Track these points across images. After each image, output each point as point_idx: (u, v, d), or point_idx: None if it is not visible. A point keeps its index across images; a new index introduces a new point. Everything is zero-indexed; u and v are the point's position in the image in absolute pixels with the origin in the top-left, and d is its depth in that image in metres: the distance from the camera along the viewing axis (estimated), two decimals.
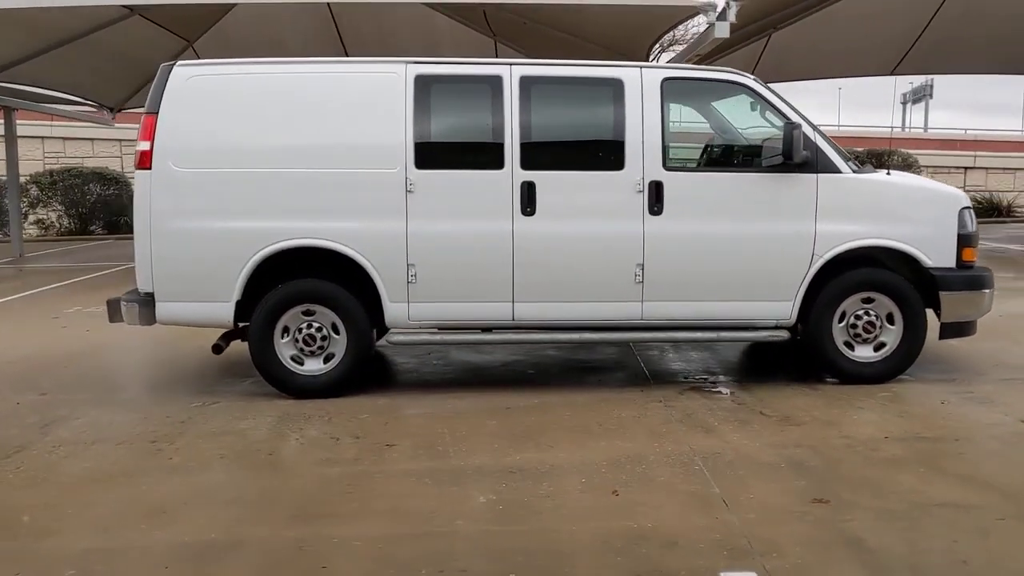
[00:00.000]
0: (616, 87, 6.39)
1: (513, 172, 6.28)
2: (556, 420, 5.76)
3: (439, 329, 6.51)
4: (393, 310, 6.36)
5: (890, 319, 6.51)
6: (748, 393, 6.37)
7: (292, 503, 4.40)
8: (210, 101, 6.36)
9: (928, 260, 6.44)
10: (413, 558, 3.73)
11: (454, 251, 6.31)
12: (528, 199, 6.27)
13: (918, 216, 6.49)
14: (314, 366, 6.41)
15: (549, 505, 4.30)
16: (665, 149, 6.33)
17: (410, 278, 6.29)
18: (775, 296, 6.42)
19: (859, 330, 6.50)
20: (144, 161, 6.30)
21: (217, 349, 6.58)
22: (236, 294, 6.31)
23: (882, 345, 6.54)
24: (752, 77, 6.55)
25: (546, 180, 6.29)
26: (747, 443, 5.20)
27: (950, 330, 6.58)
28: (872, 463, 4.84)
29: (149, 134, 6.29)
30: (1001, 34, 16.64)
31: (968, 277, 6.48)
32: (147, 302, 6.36)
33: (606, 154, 6.39)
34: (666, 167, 6.32)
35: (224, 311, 6.35)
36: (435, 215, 6.29)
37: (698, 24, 12.22)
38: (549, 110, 6.43)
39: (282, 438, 5.50)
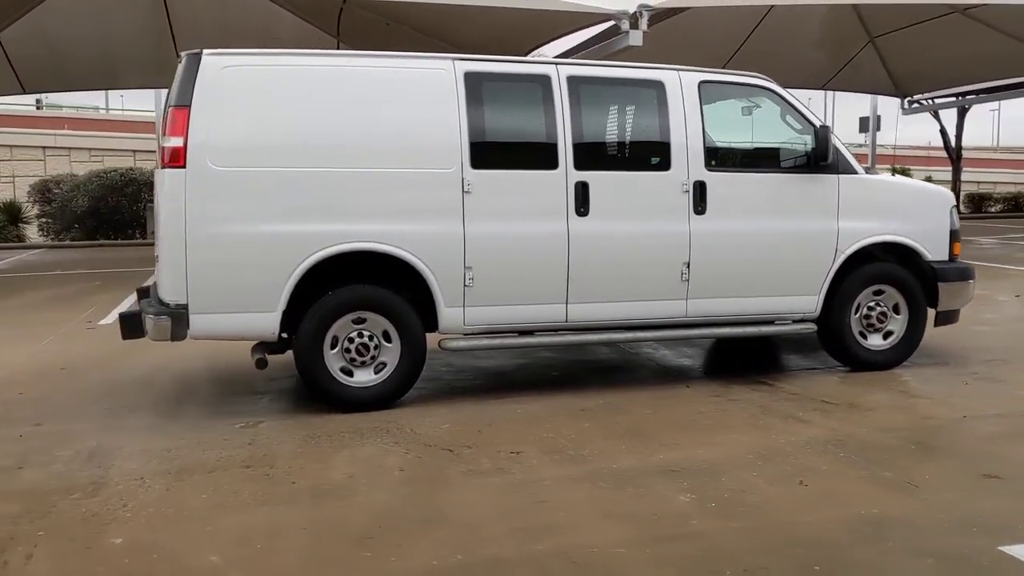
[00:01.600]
0: (659, 89, 6.50)
1: (567, 172, 6.23)
2: (647, 418, 5.78)
3: (491, 334, 6.33)
4: (449, 315, 6.13)
5: (896, 309, 7.03)
6: (787, 384, 6.66)
7: (502, 518, 4.14)
8: (249, 94, 5.86)
9: (928, 254, 7.02)
10: (700, 559, 3.66)
11: (511, 253, 6.18)
12: (582, 199, 6.25)
13: (920, 214, 7.06)
14: (365, 377, 6.05)
15: (755, 499, 4.33)
16: (707, 150, 6.51)
17: (467, 281, 6.09)
18: (804, 290, 6.77)
19: (872, 320, 6.97)
20: (176, 159, 5.70)
21: (261, 364, 6.07)
22: (282, 303, 5.85)
23: (889, 334, 7.05)
24: (773, 81, 6.87)
25: (599, 180, 6.29)
26: (854, 429, 5.46)
27: (943, 318, 7.20)
28: (985, 440, 5.23)
29: (181, 129, 5.71)
30: None
31: (960, 269, 7.12)
32: (179, 315, 5.74)
33: (654, 155, 6.49)
34: (708, 167, 6.50)
35: (268, 322, 5.86)
36: (492, 216, 6.13)
37: (592, 31, 12.51)
38: (597, 110, 6.43)
39: (388, 453, 5.16)
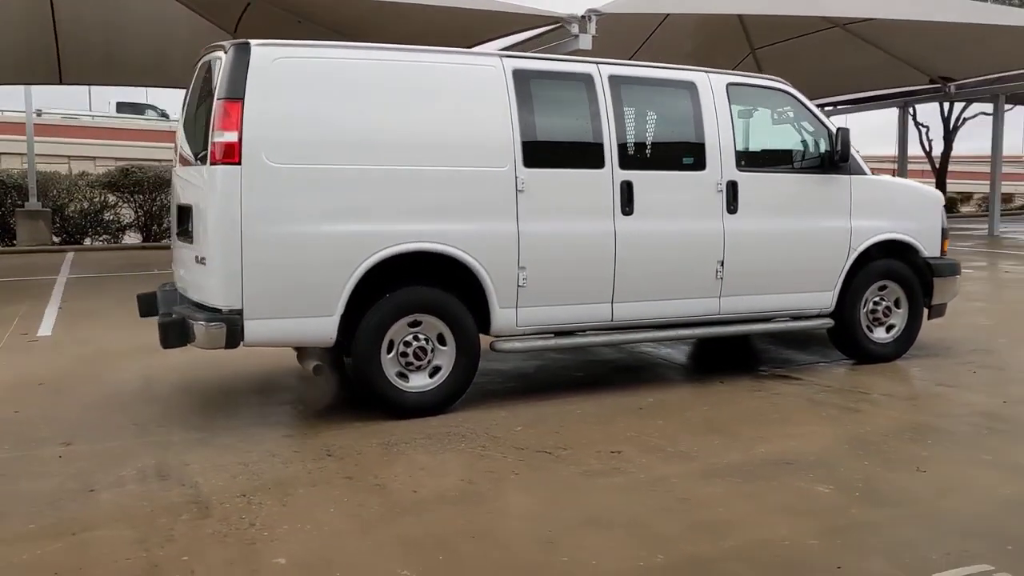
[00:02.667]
0: (692, 90, 6.60)
1: (613, 171, 6.24)
2: (712, 414, 5.85)
3: (540, 334, 6.25)
4: (502, 316, 6.02)
5: (897, 304, 7.39)
6: (811, 377, 6.88)
7: (664, 518, 4.07)
8: (302, 87, 5.58)
9: (925, 251, 7.41)
10: (897, 546, 3.73)
11: (562, 252, 6.13)
12: (627, 199, 6.27)
13: (917, 213, 7.44)
14: (420, 381, 5.86)
15: (889, 487, 4.44)
16: (737, 150, 6.65)
17: (521, 282, 6.00)
18: (823, 287, 7.02)
19: (878, 314, 7.30)
20: (230, 155, 5.36)
21: (319, 371, 5.79)
22: (341, 307, 5.59)
23: (892, 327, 7.40)
24: (790, 84, 7.10)
25: (642, 180, 6.33)
26: (919, 417, 5.71)
27: (935, 312, 7.62)
28: None
29: (235, 123, 5.37)
30: None
31: (951, 265, 7.55)
32: (234, 322, 5.40)
33: (690, 155, 6.58)
34: (739, 168, 6.65)
35: (326, 327, 5.59)
36: (544, 215, 6.06)
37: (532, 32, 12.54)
38: (637, 109, 6.46)
39: (485, 458, 4.99)
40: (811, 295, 7.00)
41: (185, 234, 5.97)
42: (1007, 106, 25.61)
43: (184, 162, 6.40)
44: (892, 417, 5.72)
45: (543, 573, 3.57)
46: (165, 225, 21.03)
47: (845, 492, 4.38)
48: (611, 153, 6.22)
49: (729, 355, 7.96)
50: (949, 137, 29.98)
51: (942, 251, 7.54)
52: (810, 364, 7.40)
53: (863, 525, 3.98)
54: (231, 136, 5.35)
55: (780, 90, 7.04)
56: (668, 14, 18.40)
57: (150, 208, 20.62)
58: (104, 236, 20.65)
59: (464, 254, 5.83)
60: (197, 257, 5.62)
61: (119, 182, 20.22)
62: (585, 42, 11.00)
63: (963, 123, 29.75)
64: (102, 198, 20.45)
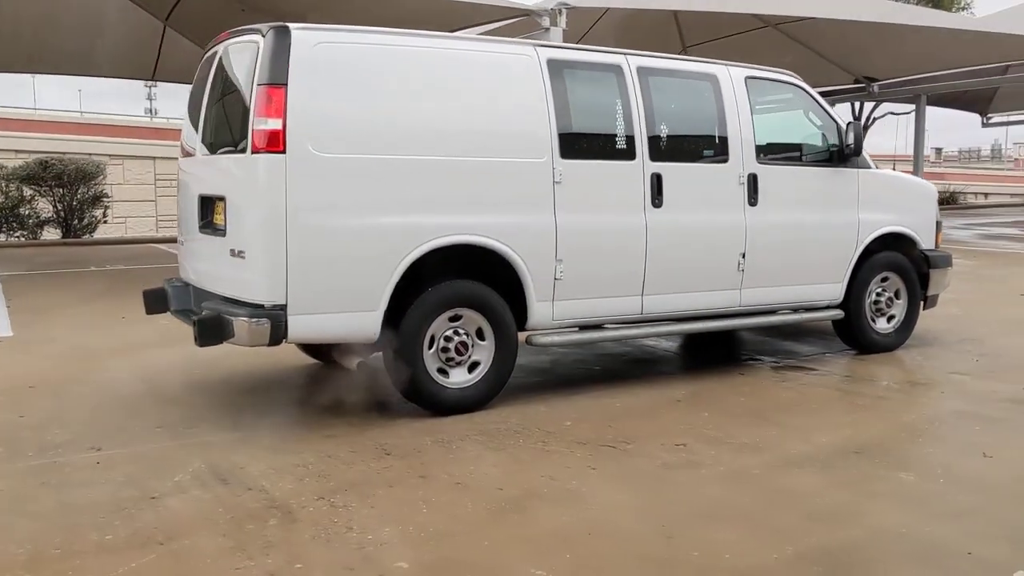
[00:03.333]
0: (714, 82, 6.62)
1: (643, 163, 6.21)
2: (753, 405, 5.88)
3: (579, 327, 6.18)
4: (539, 310, 5.92)
5: (897, 295, 7.57)
6: (825, 367, 7.00)
7: (773, 509, 4.06)
8: (343, 73, 5.37)
9: (922, 244, 7.60)
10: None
11: (597, 244, 6.07)
12: (657, 191, 6.25)
13: (916, 206, 7.64)
14: (460, 377, 5.72)
15: (970, 473, 4.52)
16: (757, 143, 6.70)
17: (557, 275, 5.92)
18: (834, 278, 7.13)
19: (881, 305, 7.46)
20: (275, 143, 5.12)
21: (363, 367, 5.58)
22: (385, 301, 5.41)
23: (892, 318, 7.57)
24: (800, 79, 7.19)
25: (670, 172, 6.31)
26: (954, 405, 5.85)
27: (929, 302, 7.82)
28: None
29: (279, 109, 5.13)
30: None
31: (945, 257, 7.77)
32: (278, 317, 5.16)
33: (714, 147, 6.59)
34: (759, 160, 6.70)
35: (370, 322, 5.40)
36: (579, 207, 5.99)
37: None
38: (664, 101, 6.42)
39: (552, 452, 4.90)
40: (823, 287, 7.10)
41: (210, 227, 5.69)
42: (904, 108, 26.71)
43: (186, 153, 6.15)
44: (928, 405, 5.85)
45: (678, 569, 3.50)
46: (87, 220, 20.17)
47: (930, 479, 4.44)
48: (642, 144, 6.19)
49: (720, 347, 8.00)
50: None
51: (936, 243, 7.75)
52: (816, 355, 7.51)
53: (968, 512, 4.04)
54: (275, 123, 5.11)
55: (792, 84, 7.12)
56: (607, 8, 18.49)
57: (70, 203, 19.69)
58: (20, 232, 19.64)
59: (504, 247, 5.71)
60: (233, 251, 5.35)
61: (37, 175, 19.25)
62: (556, 35, 10.93)
63: (873, 122, 30.80)
64: (18, 191, 19.44)
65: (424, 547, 3.70)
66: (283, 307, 5.16)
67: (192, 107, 6.22)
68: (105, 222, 20.85)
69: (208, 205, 5.76)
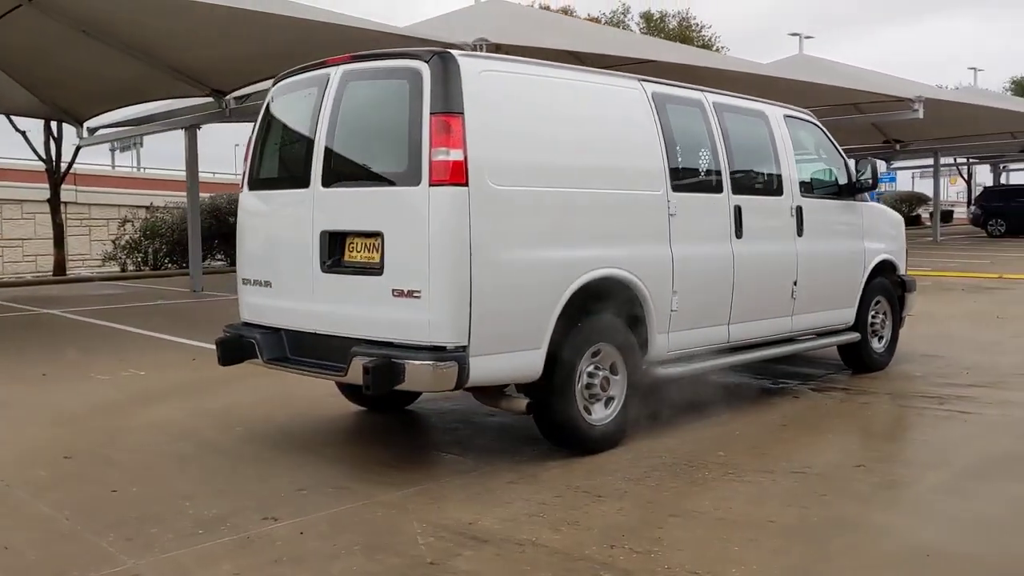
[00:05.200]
0: (765, 119, 6.99)
1: (728, 196, 6.45)
2: (852, 427, 6.32)
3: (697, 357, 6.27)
4: (658, 341, 5.97)
5: (886, 317, 8.26)
6: (854, 385, 7.48)
7: (996, 529, 4.37)
8: (506, 103, 5.22)
9: (900, 269, 8.37)
10: None
11: (702, 275, 6.21)
12: (739, 223, 6.50)
13: (896, 235, 8.40)
14: (600, 413, 5.63)
15: None
16: (800, 178, 7.14)
17: (673, 306, 6.00)
18: (849, 303, 7.69)
19: (876, 327, 8.12)
20: (458, 175, 4.86)
21: (531, 408, 5.33)
22: (547, 338, 5.25)
23: (882, 338, 8.24)
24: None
25: (747, 204, 6.58)
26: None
27: (902, 323, 8.59)
28: None
29: (459, 140, 4.88)
30: None
31: (913, 281, 8.58)
32: (463, 359, 4.88)
33: (772, 180, 6.94)
34: (803, 193, 7.13)
35: (535, 361, 5.21)
36: (688, 239, 6.11)
37: None
38: (735, 136, 6.67)
39: (760, 484, 4.97)
40: (843, 311, 7.63)
41: (347, 265, 5.25)
42: None
43: (266, 187, 5.77)
44: (991, 417, 6.39)
45: None
46: None
47: None
48: (726, 177, 6.41)
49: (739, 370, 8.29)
50: None
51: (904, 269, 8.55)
52: (826, 375, 7.97)
53: None
54: (456, 155, 4.85)
55: (812, 122, 7.63)
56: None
57: None
58: None
59: (635, 279, 5.71)
60: (397, 291, 4.97)
61: None
62: None
63: None
64: None
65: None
66: (465, 348, 4.86)
67: (284, 137, 5.73)
68: None
69: (338, 241, 5.31)
